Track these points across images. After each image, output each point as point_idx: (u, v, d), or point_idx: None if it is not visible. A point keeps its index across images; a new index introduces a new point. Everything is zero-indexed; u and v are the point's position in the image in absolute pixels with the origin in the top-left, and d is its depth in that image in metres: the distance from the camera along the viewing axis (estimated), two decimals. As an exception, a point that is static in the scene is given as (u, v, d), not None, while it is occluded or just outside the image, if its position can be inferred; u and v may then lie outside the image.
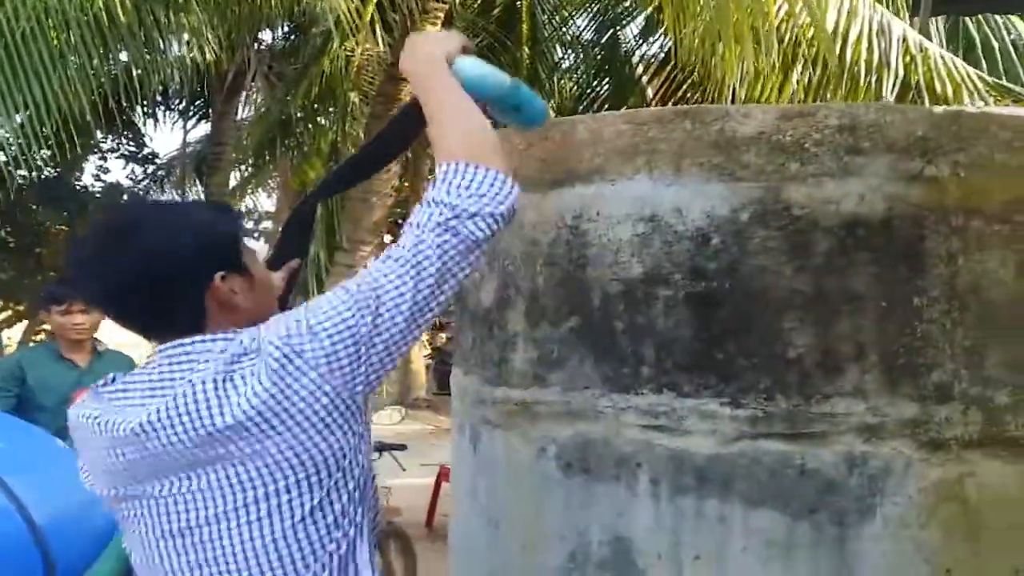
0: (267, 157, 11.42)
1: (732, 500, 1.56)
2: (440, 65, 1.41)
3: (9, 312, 16.12)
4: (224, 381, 1.26)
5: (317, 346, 1.25)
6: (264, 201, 17.91)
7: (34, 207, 13.92)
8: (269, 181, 15.75)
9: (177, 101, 14.42)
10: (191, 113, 15.09)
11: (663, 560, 1.60)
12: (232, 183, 14.92)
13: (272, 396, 1.25)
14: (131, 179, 16.47)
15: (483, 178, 1.28)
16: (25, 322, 16.29)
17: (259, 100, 12.98)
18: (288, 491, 1.30)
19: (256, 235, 17.38)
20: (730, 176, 1.55)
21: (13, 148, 5.74)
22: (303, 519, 1.31)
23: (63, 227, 14.85)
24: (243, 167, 15.50)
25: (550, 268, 1.74)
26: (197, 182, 15.89)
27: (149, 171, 16.53)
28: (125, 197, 15.24)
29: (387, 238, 8.82)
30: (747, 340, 1.56)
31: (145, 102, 12.27)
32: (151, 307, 1.36)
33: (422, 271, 1.26)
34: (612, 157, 1.64)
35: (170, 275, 1.33)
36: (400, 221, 11.36)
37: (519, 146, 1.76)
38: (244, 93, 13.09)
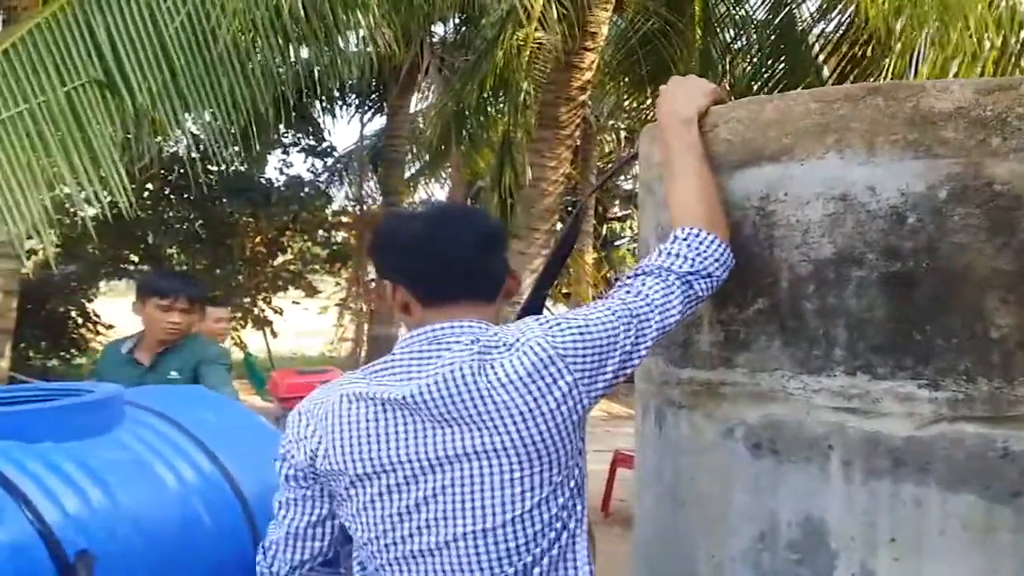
0: (441, 148, 11.73)
1: (929, 483, 1.53)
2: (688, 127, 1.69)
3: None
4: (481, 367, 1.45)
5: (580, 353, 1.47)
6: (437, 192, 18.37)
7: (223, 200, 14.77)
8: (442, 172, 16.14)
9: (353, 96, 14.96)
10: (367, 107, 15.64)
11: (856, 542, 1.59)
12: (406, 175, 15.37)
13: (528, 389, 1.44)
14: (312, 172, 17.25)
15: (717, 247, 1.58)
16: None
17: (433, 92, 13.32)
18: (522, 482, 1.47)
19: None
20: (927, 153, 1.52)
21: (204, 145, 6.11)
22: (531, 510, 1.48)
23: (250, 219, 15.72)
24: (417, 159, 15.97)
25: (736, 250, 1.74)
26: (373, 175, 16.46)
27: (328, 164, 17.25)
28: (306, 190, 15.98)
29: (558, 225, 8.89)
30: (946, 321, 1.52)
31: (323, 98, 12.82)
32: (468, 279, 1.60)
33: (667, 309, 1.54)
34: (801, 136, 1.63)
35: (497, 256, 1.63)
36: (570, 208, 11.45)
37: (704, 128, 1.77)
38: (417, 86, 13.46)
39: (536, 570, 1.51)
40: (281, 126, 14.00)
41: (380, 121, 15.75)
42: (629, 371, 1.55)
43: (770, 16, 9.28)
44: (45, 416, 2.58)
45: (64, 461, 2.40)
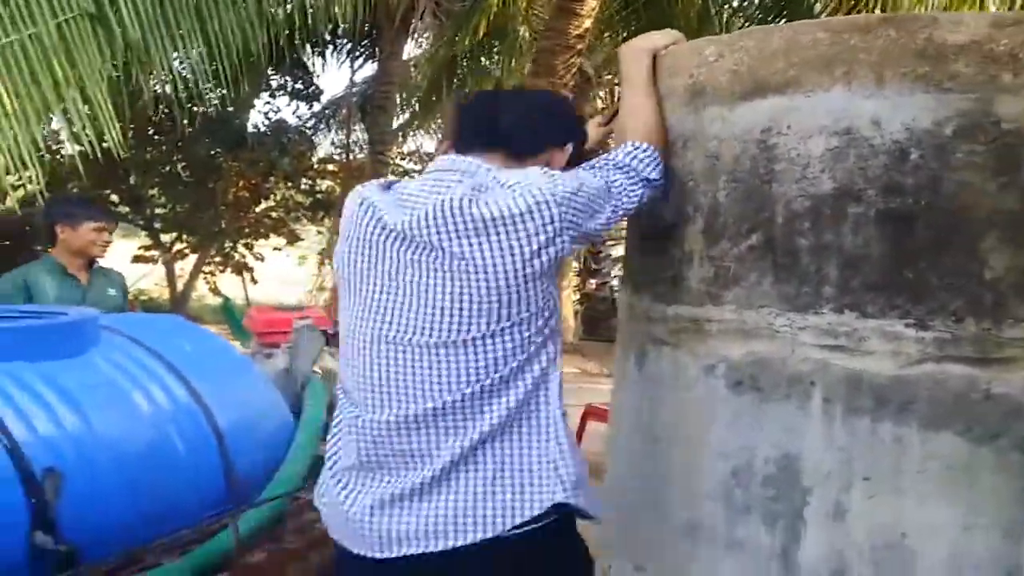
0: (432, 98, 11.57)
1: (910, 422, 1.53)
2: (640, 55, 1.90)
3: (183, 244, 17.02)
4: (473, 201, 1.57)
5: (575, 204, 1.59)
6: (427, 143, 18.17)
7: (207, 141, 14.59)
8: (432, 123, 15.96)
9: (345, 40, 14.73)
10: (358, 53, 15.41)
11: (831, 478, 1.59)
12: (396, 124, 15.21)
13: (516, 226, 1.55)
14: (297, 117, 17.04)
15: (651, 155, 1.77)
16: (196, 254, 17.18)
17: (427, 39, 13.11)
18: (489, 311, 1.58)
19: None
20: (936, 87, 1.49)
21: (190, 85, 6.01)
22: (492, 335, 1.59)
23: (233, 163, 15.55)
24: (408, 108, 15.77)
25: (733, 183, 1.72)
26: (361, 123, 16.28)
27: (315, 110, 17.05)
28: (290, 135, 15.80)
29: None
30: (941, 260, 1.51)
31: (314, 40, 12.63)
32: (493, 129, 1.74)
33: (634, 189, 1.73)
34: (808, 67, 1.60)
35: (543, 124, 1.79)
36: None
37: (709, 57, 1.73)
38: (412, 32, 13.22)
39: (498, 400, 1.61)
40: (270, 69, 13.81)
41: (371, 68, 15.52)
42: (607, 227, 1.70)
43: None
44: (18, 336, 2.54)
45: (35, 381, 2.37)
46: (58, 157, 12.78)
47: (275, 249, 17.70)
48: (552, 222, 1.56)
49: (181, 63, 6.09)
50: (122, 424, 2.46)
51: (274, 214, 17.34)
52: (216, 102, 10.76)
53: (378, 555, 1.65)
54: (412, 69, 14.35)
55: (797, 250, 1.63)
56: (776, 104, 1.64)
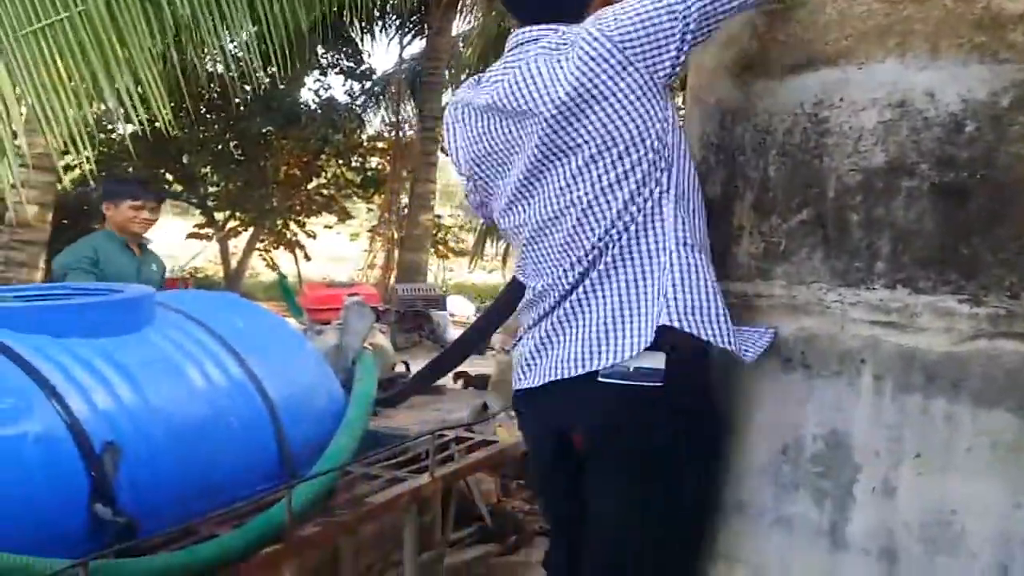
0: (481, 71, 11.54)
1: (962, 400, 1.50)
2: None
3: (236, 221, 17.19)
4: (547, 61, 1.67)
5: (635, 36, 1.61)
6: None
7: (258, 119, 14.72)
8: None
9: (394, 17, 14.76)
10: (407, 29, 15.42)
11: (881, 456, 1.57)
12: (445, 100, 15.21)
13: (583, 74, 1.62)
14: (348, 95, 17.12)
15: None
16: (251, 230, 17.38)
17: (475, 14, 13.04)
18: (598, 166, 1.67)
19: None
20: (992, 57, 1.45)
21: (242, 63, 6.05)
22: (611, 185, 1.67)
23: (284, 140, 15.68)
24: (458, 84, 15.75)
25: (783, 158, 1.69)
26: (410, 99, 16.31)
27: (365, 87, 17.09)
28: (341, 112, 15.88)
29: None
30: (996, 234, 1.47)
31: (363, 18, 12.66)
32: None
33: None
34: (862, 38, 1.57)
35: None
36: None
37: (760, 28, 1.71)
38: (460, 7, 13.18)
39: (607, 241, 1.69)
40: (320, 47, 13.87)
41: (420, 44, 15.52)
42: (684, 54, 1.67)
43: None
44: (76, 312, 2.60)
45: (93, 356, 2.42)
46: (112, 136, 13.00)
47: (326, 227, 17.87)
48: (613, 55, 1.61)
49: (232, 41, 6.13)
50: (177, 399, 2.51)
51: (325, 192, 17.48)
52: (267, 80, 10.87)
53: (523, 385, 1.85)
54: (460, 45, 14.32)
55: (848, 225, 1.61)
56: (828, 76, 1.62)
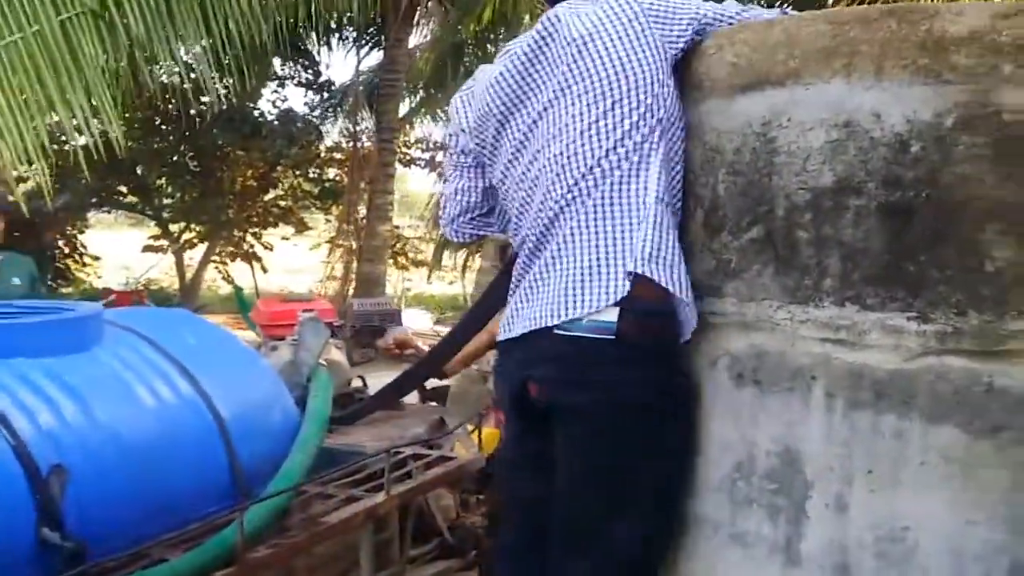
0: (438, 86, 11.54)
1: (912, 416, 1.51)
2: None
3: (192, 234, 17.01)
4: (571, 15, 1.82)
5: (660, 7, 1.78)
6: (434, 130, 18.12)
7: (214, 131, 14.56)
8: (439, 110, 15.92)
9: (351, 29, 14.69)
10: (364, 41, 15.37)
11: (833, 472, 1.58)
12: (403, 111, 15.16)
13: (607, 16, 1.78)
14: (307, 105, 17.01)
15: None
16: (206, 243, 17.19)
17: (432, 27, 13.02)
18: (599, 100, 1.76)
19: (423, 165, 17.67)
20: (936, 79, 1.47)
21: (197, 75, 6.00)
22: (604, 128, 1.76)
23: (241, 152, 15.53)
24: (414, 96, 15.73)
25: (733, 176, 1.71)
26: (368, 111, 16.24)
27: (323, 99, 17.00)
28: (299, 124, 15.77)
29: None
30: (942, 252, 1.49)
31: (320, 30, 12.60)
32: None
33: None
34: (809, 59, 1.58)
35: None
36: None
37: (709, 49, 1.72)
38: (417, 20, 13.16)
39: (596, 187, 1.75)
40: (277, 59, 13.77)
41: (378, 56, 15.47)
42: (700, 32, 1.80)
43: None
44: (21, 332, 2.54)
45: (39, 377, 2.36)
46: (65, 149, 12.79)
47: (284, 238, 17.70)
48: (637, 16, 1.76)
49: (187, 54, 6.09)
50: (126, 419, 2.46)
51: (282, 203, 17.33)
52: (223, 92, 10.77)
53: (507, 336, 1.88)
54: (418, 57, 14.30)
55: (798, 243, 1.62)
56: (776, 97, 1.63)
